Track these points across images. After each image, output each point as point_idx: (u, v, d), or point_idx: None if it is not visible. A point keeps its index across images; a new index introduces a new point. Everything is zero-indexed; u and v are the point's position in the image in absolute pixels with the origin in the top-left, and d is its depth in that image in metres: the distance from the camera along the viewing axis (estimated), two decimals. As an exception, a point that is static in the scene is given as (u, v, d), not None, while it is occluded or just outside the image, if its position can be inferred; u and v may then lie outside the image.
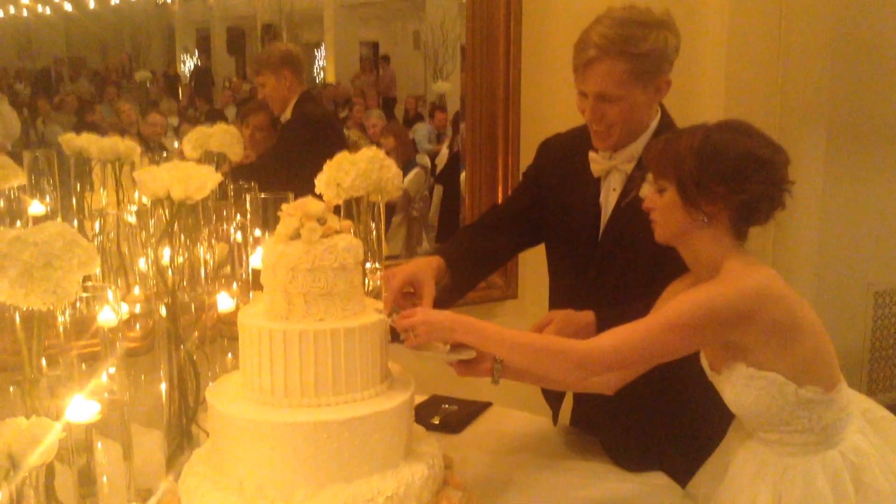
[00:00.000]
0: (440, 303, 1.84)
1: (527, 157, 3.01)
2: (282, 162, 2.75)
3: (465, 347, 1.68)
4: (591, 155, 1.96)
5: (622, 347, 1.58)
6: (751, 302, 1.55)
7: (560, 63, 3.05)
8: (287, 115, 2.99)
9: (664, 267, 1.75)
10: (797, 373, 1.59)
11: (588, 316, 1.83)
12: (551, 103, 3.04)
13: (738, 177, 1.56)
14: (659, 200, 1.64)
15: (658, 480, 1.89)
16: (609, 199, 1.96)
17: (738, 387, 1.63)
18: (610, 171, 1.95)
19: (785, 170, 1.60)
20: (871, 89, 3.77)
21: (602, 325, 1.77)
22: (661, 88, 1.88)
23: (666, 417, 1.93)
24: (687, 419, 1.93)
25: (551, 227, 2.07)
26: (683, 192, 1.59)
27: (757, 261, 1.63)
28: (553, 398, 2.19)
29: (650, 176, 1.67)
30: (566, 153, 2.06)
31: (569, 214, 2.01)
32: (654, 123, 1.93)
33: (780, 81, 3.41)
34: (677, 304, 1.59)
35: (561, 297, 2.04)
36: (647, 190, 1.68)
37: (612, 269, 1.93)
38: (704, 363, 1.72)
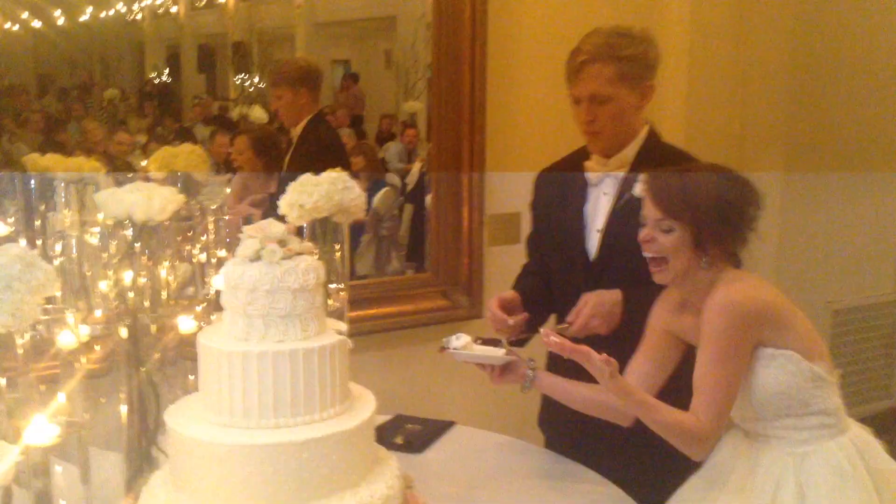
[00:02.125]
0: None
1: (492, 177, 3.06)
2: None
3: (501, 346, 1.87)
4: (587, 164, 2.15)
5: (722, 408, 1.69)
6: (760, 299, 1.70)
7: (525, 85, 3.11)
8: (297, 131, 2.99)
9: None
10: (805, 348, 1.72)
11: (616, 295, 1.98)
12: (516, 125, 3.08)
13: (744, 224, 1.71)
14: (665, 240, 1.71)
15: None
16: (600, 203, 2.12)
17: (758, 367, 1.72)
18: (603, 178, 2.11)
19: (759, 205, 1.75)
20: (829, 111, 3.85)
21: (630, 302, 1.96)
22: (647, 93, 2.10)
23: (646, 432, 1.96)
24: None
25: (545, 238, 2.24)
26: (697, 237, 1.69)
27: (745, 272, 1.78)
28: (548, 425, 2.27)
29: (642, 177, 1.78)
30: (557, 175, 2.23)
31: (559, 223, 2.18)
32: (642, 133, 2.12)
33: (740, 103, 3.49)
34: (708, 341, 1.69)
35: (565, 304, 2.10)
36: (646, 232, 1.75)
37: (612, 266, 2.07)
38: None
